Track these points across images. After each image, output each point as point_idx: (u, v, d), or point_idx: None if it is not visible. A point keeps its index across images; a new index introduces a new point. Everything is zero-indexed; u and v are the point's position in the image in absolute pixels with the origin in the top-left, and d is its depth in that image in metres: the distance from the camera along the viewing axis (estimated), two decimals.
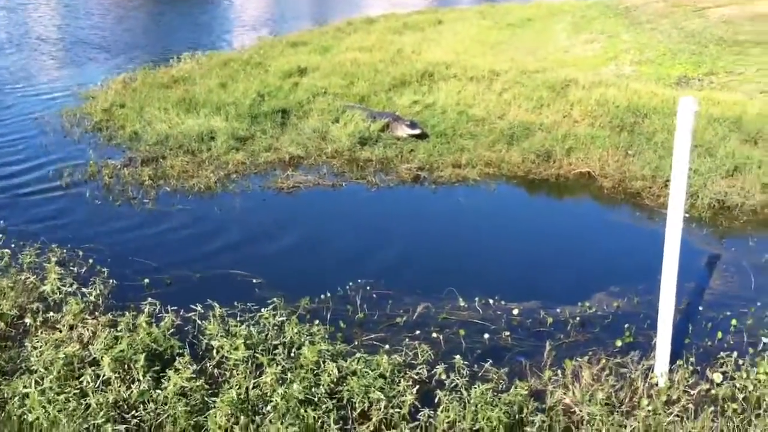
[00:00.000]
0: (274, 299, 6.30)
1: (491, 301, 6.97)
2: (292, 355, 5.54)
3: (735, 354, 5.99)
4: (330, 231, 8.75)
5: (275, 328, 5.88)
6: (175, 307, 6.09)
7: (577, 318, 6.80)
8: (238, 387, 5.07)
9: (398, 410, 5.10)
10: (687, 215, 9.64)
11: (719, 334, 6.53)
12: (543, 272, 7.97)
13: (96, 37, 23.08)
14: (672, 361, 5.82)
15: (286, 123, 12.44)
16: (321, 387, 5.05)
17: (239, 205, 9.32)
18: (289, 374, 5.16)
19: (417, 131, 11.96)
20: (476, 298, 6.97)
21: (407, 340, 6.05)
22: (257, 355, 5.32)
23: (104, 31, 24.76)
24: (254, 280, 7.14)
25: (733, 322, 6.76)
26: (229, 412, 4.75)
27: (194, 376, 5.08)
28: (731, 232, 9.34)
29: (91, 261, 7.15)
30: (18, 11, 28.76)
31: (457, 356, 5.65)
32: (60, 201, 9.18)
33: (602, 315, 6.92)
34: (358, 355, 5.46)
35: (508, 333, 6.46)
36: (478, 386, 5.22)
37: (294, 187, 10.05)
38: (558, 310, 6.90)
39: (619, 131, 12.24)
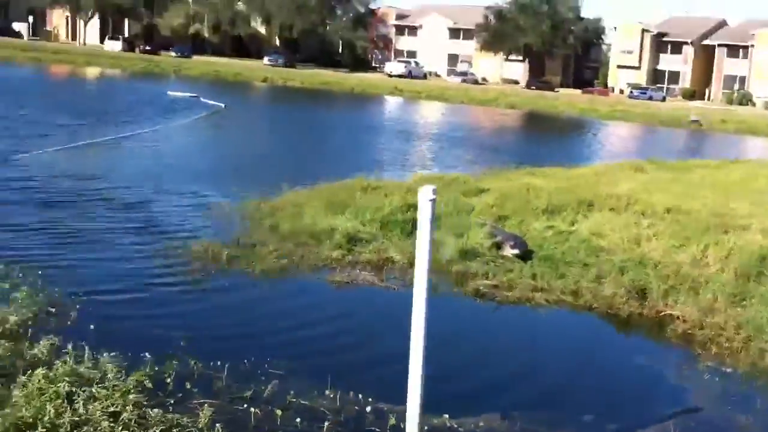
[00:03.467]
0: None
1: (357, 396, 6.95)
2: None
3: None
4: (314, 319, 9.22)
5: None
6: None
7: None
8: None
9: None
10: None
11: None
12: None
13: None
14: None
15: (414, 232, 13.02)
16: None
17: (271, 289, 10.15)
18: None
19: (516, 251, 11.92)
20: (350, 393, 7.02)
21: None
22: None
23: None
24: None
25: None
26: None
27: None
28: None
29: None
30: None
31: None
32: (129, 261, 10.72)
33: None
34: None
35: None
36: None
37: (347, 283, 10.63)
38: None
39: (747, 280, 11.01)
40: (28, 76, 49.72)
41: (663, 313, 10.39)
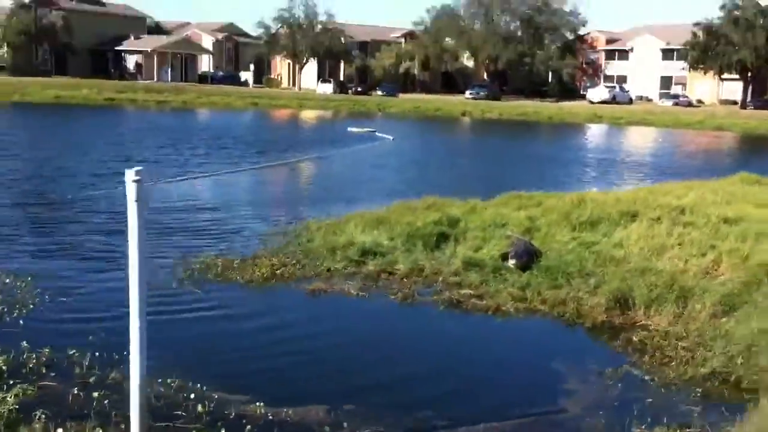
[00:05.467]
0: None
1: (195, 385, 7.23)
2: None
3: None
4: (240, 319, 9.57)
5: None
6: None
7: None
8: None
9: None
10: None
11: None
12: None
13: None
14: None
15: (440, 246, 13.04)
16: None
17: (235, 296, 10.56)
18: None
19: (514, 261, 11.69)
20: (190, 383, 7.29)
21: None
22: None
23: None
24: None
25: None
26: None
27: None
28: None
29: None
30: None
31: None
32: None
33: None
34: None
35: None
36: None
37: (323, 291, 10.88)
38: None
39: (754, 288, 10.08)
40: (236, 121, 53.41)
41: (638, 323, 9.82)
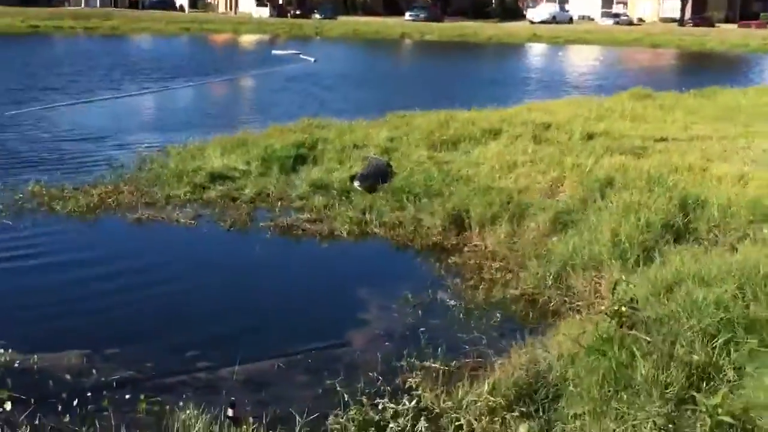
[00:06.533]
0: None
1: None
2: None
3: None
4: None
5: None
6: None
7: None
8: None
9: None
10: None
11: None
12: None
13: None
14: None
15: (296, 169, 12.43)
16: None
17: (47, 227, 9.90)
18: None
19: (357, 183, 11.21)
20: None
21: None
22: None
23: None
24: None
25: None
26: None
27: None
28: None
29: None
30: None
31: None
32: None
33: None
34: None
35: None
36: None
37: (149, 220, 10.23)
38: None
39: (590, 205, 9.64)
40: (161, 46, 51.56)
41: (470, 244, 9.38)
